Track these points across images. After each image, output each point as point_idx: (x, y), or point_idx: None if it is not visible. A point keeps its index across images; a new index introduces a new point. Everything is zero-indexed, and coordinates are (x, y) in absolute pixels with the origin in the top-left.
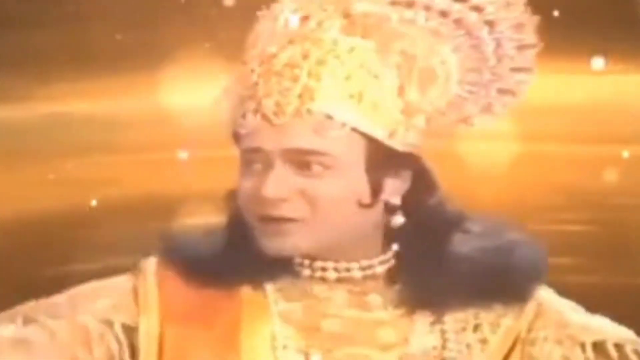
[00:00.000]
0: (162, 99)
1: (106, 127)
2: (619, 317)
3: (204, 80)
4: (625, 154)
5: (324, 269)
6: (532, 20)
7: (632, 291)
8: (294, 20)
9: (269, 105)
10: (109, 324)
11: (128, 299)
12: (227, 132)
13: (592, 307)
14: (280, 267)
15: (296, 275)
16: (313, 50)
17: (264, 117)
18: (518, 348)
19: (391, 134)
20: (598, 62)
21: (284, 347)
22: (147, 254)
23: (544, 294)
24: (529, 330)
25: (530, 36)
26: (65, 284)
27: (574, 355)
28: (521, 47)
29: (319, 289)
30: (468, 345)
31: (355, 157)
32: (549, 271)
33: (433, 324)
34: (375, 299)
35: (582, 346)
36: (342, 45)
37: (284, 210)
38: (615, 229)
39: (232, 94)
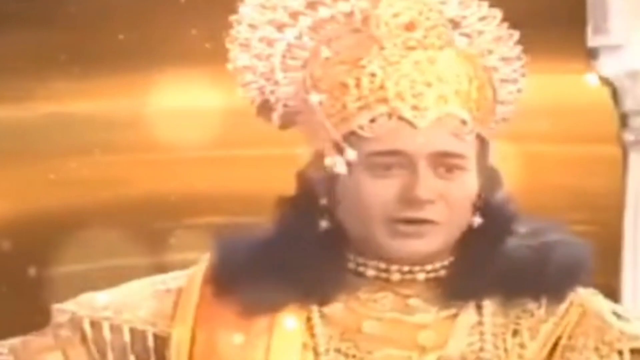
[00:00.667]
0: (162, 99)
1: (106, 127)
2: None
3: (204, 80)
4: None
5: (387, 270)
6: (511, 34)
7: None
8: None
9: (405, 109)
10: (143, 335)
11: (168, 305)
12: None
13: None
14: (335, 278)
15: (352, 286)
16: (438, 56)
17: (402, 120)
18: (558, 354)
19: (489, 136)
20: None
21: (323, 347)
22: (145, 255)
23: (588, 297)
24: (570, 336)
25: (512, 49)
26: (65, 284)
27: None
28: (505, 60)
29: (363, 290)
30: (506, 350)
31: (474, 159)
32: None
33: (473, 327)
34: (416, 302)
35: (620, 353)
36: (459, 50)
37: (429, 213)
38: (616, 229)
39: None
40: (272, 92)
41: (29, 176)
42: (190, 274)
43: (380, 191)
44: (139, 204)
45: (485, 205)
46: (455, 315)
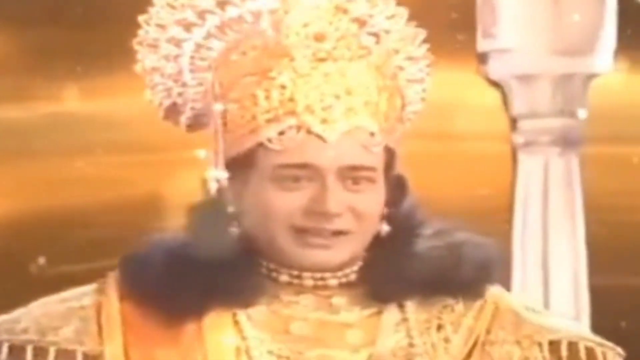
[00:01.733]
0: None
1: (107, 127)
2: (619, 317)
3: None
4: (632, 155)
5: (299, 277)
6: (418, 33)
7: (632, 291)
8: (310, 35)
9: (315, 122)
10: (72, 355)
11: (92, 323)
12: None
13: (593, 307)
14: (250, 284)
15: (266, 291)
16: (348, 67)
17: (311, 133)
18: (478, 348)
19: (396, 145)
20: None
21: (256, 351)
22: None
23: (500, 294)
24: (488, 331)
25: (418, 48)
26: (65, 284)
27: (533, 355)
28: (411, 59)
29: (282, 293)
30: (433, 345)
31: (382, 170)
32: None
33: (398, 324)
34: (339, 301)
35: (540, 346)
36: (370, 61)
37: (337, 224)
38: (616, 229)
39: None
40: (180, 94)
41: (29, 176)
42: (101, 288)
43: (288, 203)
44: (139, 204)
45: (392, 213)
46: (379, 313)
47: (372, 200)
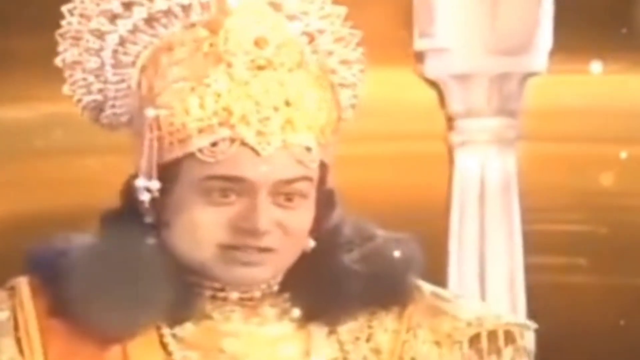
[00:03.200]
0: None
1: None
2: (619, 317)
3: None
4: (624, 154)
5: (223, 290)
6: (353, 34)
7: (632, 291)
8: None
9: (250, 135)
10: None
11: (9, 339)
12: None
13: (592, 306)
14: (175, 298)
15: (191, 303)
16: (288, 78)
17: (245, 145)
18: (404, 349)
19: (329, 159)
20: (597, 64)
21: None
22: None
23: (417, 289)
24: (408, 329)
25: (353, 51)
26: None
27: (452, 353)
28: (345, 62)
29: (211, 307)
30: (365, 358)
31: (315, 185)
32: (547, 271)
33: (329, 335)
34: (268, 312)
35: (460, 344)
36: (309, 72)
37: (265, 241)
38: (616, 229)
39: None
40: (100, 90)
41: (29, 176)
42: (15, 302)
43: (215, 218)
44: None
45: (319, 228)
46: (306, 325)
47: (302, 217)
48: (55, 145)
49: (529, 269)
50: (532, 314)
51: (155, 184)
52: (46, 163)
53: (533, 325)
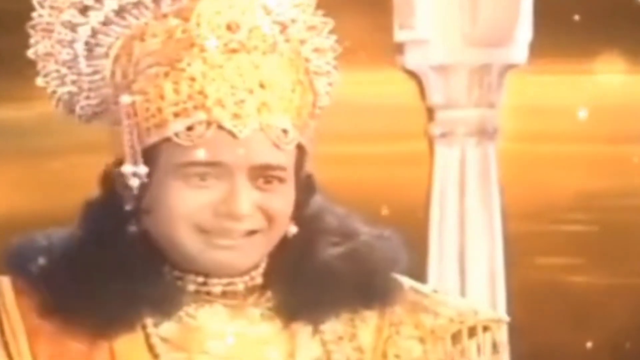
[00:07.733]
0: None
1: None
2: (619, 317)
3: None
4: (633, 155)
5: (205, 284)
6: (325, 23)
7: (632, 291)
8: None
9: (225, 117)
10: None
11: None
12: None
13: (592, 307)
14: (157, 293)
15: (175, 298)
16: (262, 60)
17: (222, 129)
18: (387, 346)
19: (307, 142)
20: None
21: None
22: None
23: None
24: (390, 325)
25: (326, 39)
26: None
27: (436, 349)
28: (318, 51)
29: (195, 305)
30: (348, 357)
31: (293, 169)
32: (545, 270)
33: (313, 335)
34: (253, 312)
35: (443, 340)
36: (283, 54)
37: (245, 225)
38: (616, 229)
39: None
40: (74, 82)
41: (29, 176)
42: (3, 302)
43: (194, 203)
44: None
45: (300, 214)
46: (290, 326)
47: (283, 199)
48: (54, 145)
49: (528, 269)
50: (530, 313)
51: (142, 169)
52: (46, 163)
53: (506, 318)
